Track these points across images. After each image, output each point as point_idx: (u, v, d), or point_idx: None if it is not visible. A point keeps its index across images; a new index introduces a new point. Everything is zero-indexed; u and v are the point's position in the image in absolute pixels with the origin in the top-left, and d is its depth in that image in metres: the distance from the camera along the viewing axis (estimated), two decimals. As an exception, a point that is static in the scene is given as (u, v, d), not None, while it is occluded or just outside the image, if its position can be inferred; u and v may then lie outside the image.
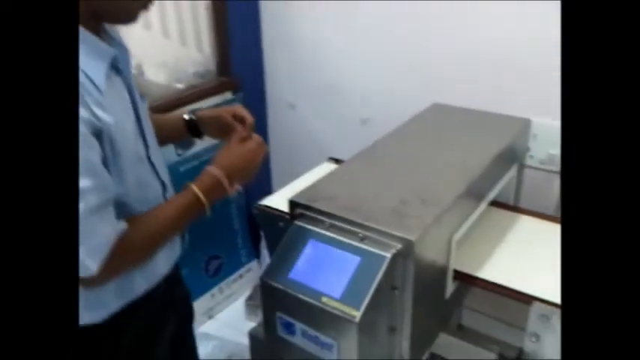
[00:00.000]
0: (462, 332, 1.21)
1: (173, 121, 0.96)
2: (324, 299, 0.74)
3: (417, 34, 1.41)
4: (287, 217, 1.06)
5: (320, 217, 0.83)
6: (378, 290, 0.73)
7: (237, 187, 0.82)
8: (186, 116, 0.95)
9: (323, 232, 0.81)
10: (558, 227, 1.05)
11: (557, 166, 1.25)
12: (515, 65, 1.27)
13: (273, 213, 1.10)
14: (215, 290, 1.68)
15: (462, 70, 1.36)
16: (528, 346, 0.87)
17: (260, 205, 1.14)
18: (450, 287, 0.93)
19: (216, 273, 1.68)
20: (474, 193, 0.94)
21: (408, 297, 0.78)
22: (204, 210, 0.78)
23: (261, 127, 1.83)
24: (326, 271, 0.77)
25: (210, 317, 1.68)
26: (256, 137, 0.86)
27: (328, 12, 1.57)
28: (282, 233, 1.10)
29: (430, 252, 0.81)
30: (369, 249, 0.77)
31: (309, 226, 0.83)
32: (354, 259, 0.76)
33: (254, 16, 1.71)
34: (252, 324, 1.71)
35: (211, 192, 0.78)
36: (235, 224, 1.74)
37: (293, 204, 0.86)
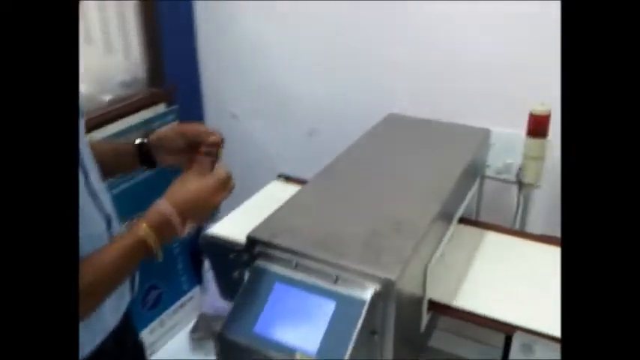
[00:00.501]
0: (432, 354, 1.16)
1: (121, 148, 0.83)
2: (298, 356, 0.65)
3: (367, 39, 1.34)
4: (239, 248, 0.96)
5: (284, 255, 0.73)
6: (357, 339, 0.65)
7: (190, 227, 0.70)
8: (137, 140, 0.82)
9: (289, 273, 0.71)
10: (525, 242, 1.01)
11: (513, 176, 1.22)
12: (467, 73, 1.23)
13: (223, 244, 0.98)
14: (155, 324, 1.52)
15: (414, 78, 1.30)
16: (510, 375, 0.82)
17: (207, 234, 1.02)
18: (425, 319, 0.86)
19: (156, 304, 1.52)
20: (446, 213, 0.88)
21: (388, 340, 0.70)
22: (153, 253, 0.66)
23: (199, 141, 1.69)
24: (297, 321, 0.67)
25: (152, 353, 1.53)
26: (221, 172, 0.73)
27: (270, 15, 1.46)
28: (233, 266, 0.99)
29: (408, 287, 0.74)
30: (345, 292, 0.67)
31: (273, 267, 0.72)
32: (329, 305, 0.67)
33: (188, 19, 1.57)
34: (198, 358, 1.58)
35: (161, 232, 0.66)
36: (174, 249, 1.59)
37: (251, 241, 0.76)
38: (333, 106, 1.45)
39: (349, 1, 1.32)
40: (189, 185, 0.70)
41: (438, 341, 1.15)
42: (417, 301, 0.81)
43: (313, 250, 0.71)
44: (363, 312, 0.65)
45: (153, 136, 0.82)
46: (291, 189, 1.17)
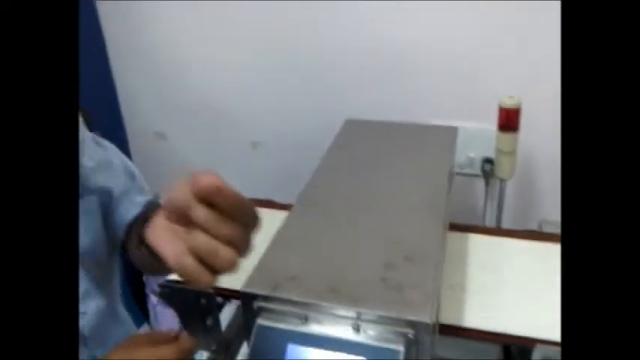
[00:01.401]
0: None
1: None
2: None
3: (308, 40, 1.24)
4: (210, 291, 0.84)
5: (291, 308, 0.62)
6: (396, 396, 0.56)
7: None
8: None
9: (301, 329, 0.61)
10: (512, 241, 0.98)
11: (476, 170, 1.20)
12: (419, 69, 1.18)
13: (190, 289, 0.85)
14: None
15: (362, 79, 1.23)
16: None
17: (167, 281, 0.87)
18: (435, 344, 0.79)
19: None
20: (444, 225, 0.81)
21: (422, 387, 0.62)
22: None
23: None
24: (323, 387, 0.57)
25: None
26: (185, 342, 0.61)
27: (192, 18, 1.31)
28: (205, 312, 0.87)
29: (434, 324, 0.66)
30: (374, 344, 0.58)
31: (280, 325, 0.61)
32: (358, 362, 0.58)
33: (94, 30, 1.37)
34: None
35: None
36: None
37: (248, 296, 0.64)
38: (276, 115, 1.34)
39: (282, 1, 1.21)
40: (138, 354, 0.58)
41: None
42: (435, 331, 0.73)
43: (324, 297, 0.61)
44: (399, 364, 0.57)
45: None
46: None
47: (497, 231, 1.02)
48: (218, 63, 1.33)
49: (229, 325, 0.99)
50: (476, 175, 1.19)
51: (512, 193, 1.18)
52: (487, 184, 1.14)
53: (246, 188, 1.22)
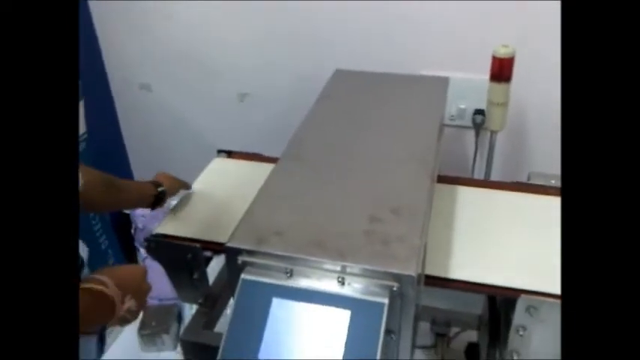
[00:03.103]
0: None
1: (146, 189, 0.88)
2: (319, 380, 0.55)
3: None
4: (196, 246, 0.84)
5: (276, 262, 0.61)
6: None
7: (131, 306, 0.61)
8: (160, 188, 0.88)
9: (286, 283, 0.61)
10: (499, 193, 0.97)
11: (467, 121, 1.18)
12: (410, 18, 1.13)
13: (177, 244, 0.85)
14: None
15: (352, 30, 1.18)
16: (514, 338, 0.80)
17: (155, 235, 0.87)
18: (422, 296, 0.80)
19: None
20: (433, 177, 0.80)
21: (406, 337, 0.63)
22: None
23: (111, 121, 1.47)
24: (307, 339, 0.58)
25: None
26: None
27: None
28: (191, 267, 0.88)
29: (419, 277, 0.66)
30: (359, 296, 0.58)
31: (265, 279, 0.61)
32: (343, 314, 0.58)
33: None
34: (151, 355, 1.45)
35: (96, 308, 0.57)
36: (102, 244, 1.41)
37: (232, 251, 0.63)
38: (263, 66, 1.30)
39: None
40: (126, 266, 0.69)
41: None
42: (420, 283, 0.74)
43: (310, 251, 0.61)
44: (384, 317, 0.57)
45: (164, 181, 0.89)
46: (238, 166, 1.05)
47: (486, 183, 1.02)
48: (203, 13, 1.27)
49: (217, 279, 0.99)
50: (466, 127, 1.17)
51: (502, 145, 1.17)
52: (477, 135, 1.13)
53: (233, 141, 1.21)
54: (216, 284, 0.94)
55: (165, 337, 1.31)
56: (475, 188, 0.99)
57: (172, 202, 0.94)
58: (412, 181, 0.73)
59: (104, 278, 0.58)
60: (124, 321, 0.63)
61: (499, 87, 0.98)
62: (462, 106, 1.15)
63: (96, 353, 0.69)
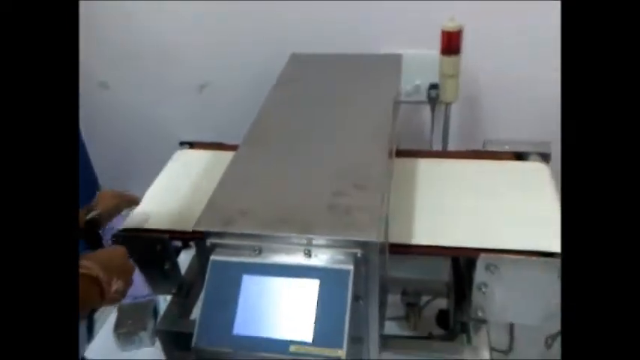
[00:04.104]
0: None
1: None
2: (293, 348, 0.58)
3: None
4: (166, 237, 0.84)
5: (244, 242, 0.63)
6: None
7: (119, 287, 0.62)
8: (90, 215, 0.81)
9: (255, 260, 0.63)
10: (457, 162, 1.01)
11: (422, 96, 1.21)
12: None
13: (146, 236, 0.85)
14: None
15: (306, 13, 1.19)
16: (477, 296, 0.84)
17: (124, 228, 0.87)
18: (388, 264, 0.83)
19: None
20: (391, 151, 0.83)
21: (373, 302, 0.66)
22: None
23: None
24: (280, 311, 0.60)
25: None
26: None
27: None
28: (162, 258, 0.89)
29: (384, 243, 0.69)
30: (327, 266, 0.61)
31: (234, 258, 0.63)
32: (312, 284, 0.60)
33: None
34: (129, 354, 1.45)
35: (83, 298, 0.56)
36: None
37: (200, 235, 0.65)
38: (221, 55, 1.30)
39: None
40: (106, 249, 0.69)
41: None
42: (383, 251, 0.77)
43: (276, 228, 0.63)
44: (350, 282, 0.60)
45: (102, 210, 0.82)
46: (201, 157, 1.05)
47: (444, 153, 1.06)
48: (159, 7, 1.26)
49: (189, 268, 1.00)
50: (423, 102, 1.20)
51: (458, 116, 1.21)
52: (433, 109, 1.16)
53: (195, 132, 1.21)
54: (189, 273, 0.95)
55: (142, 334, 1.32)
56: (433, 159, 1.03)
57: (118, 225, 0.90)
58: (371, 156, 0.76)
59: (89, 263, 0.59)
60: (113, 301, 0.64)
61: (449, 59, 1.02)
62: (417, 82, 1.19)
63: (86, 337, 0.69)
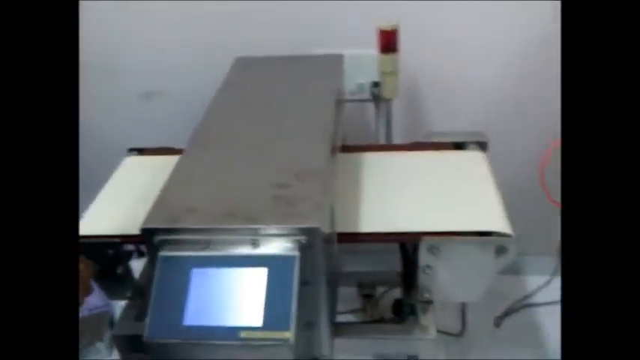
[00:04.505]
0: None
1: None
2: (244, 334, 0.60)
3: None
4: (117, 242, 0.85)
5: (191, 237, 0.65)
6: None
7: None
8: None
9: (204, 254, 0.65)
10: (399, 154, 1.06)
11: (366, 94, 1.26)
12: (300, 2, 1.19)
13: (97, 242, 0.86)
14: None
15: (246, 16, 1.22)
16: (423, 278, 0.88)
17: (82, 236, 0.87)
18: (336, 253, 0.87)
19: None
20: (334, 146, 0.87)
21: (321, 286, 0.69)
22: None
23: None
24: (230, 300, 0.62)
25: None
26: None
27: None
28: (114, 263, 0.89)
29: (325, 229, 0.72)
30: (273, 253, 0.64)
31: (183, 253, 0.65)
32: (260, 272, 0.63)
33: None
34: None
35: None
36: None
37: (147, 232, 0.66)
38: (166, 61, 1.31)
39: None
40: None
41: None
42: (331, 240, 0.80)
43: (222, 221, 0.65)
44: (297, 267, 0.63)
45: None
46: (150, 162, 1.06)
47: (387, 147, 1.10)
48: (102, 16, 1.26)
49: (143, 272, 1.01)
50: (367, 100, 1.25)
51: (402, 111, 1.27)
52: (377, 106, 1.21)
53: (145, 139, 1.21)
54: (143, 276, 0.95)
55: (99, 344, 1.31)
56: (378, 153, 1.08)
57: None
58: (313, 151, 0.79)
59: None
60: None
61: (387, 58, 1.07)
62: (361, 81, 1.23)
63: None
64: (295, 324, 0.60)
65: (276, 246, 0.64)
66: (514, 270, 1.50)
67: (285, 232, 0.64)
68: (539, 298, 1.41)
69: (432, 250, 0.85)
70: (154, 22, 1.26)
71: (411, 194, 0.94)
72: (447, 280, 0.87)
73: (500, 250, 0.83)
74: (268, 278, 0.62)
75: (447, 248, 0.84)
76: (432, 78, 1.24)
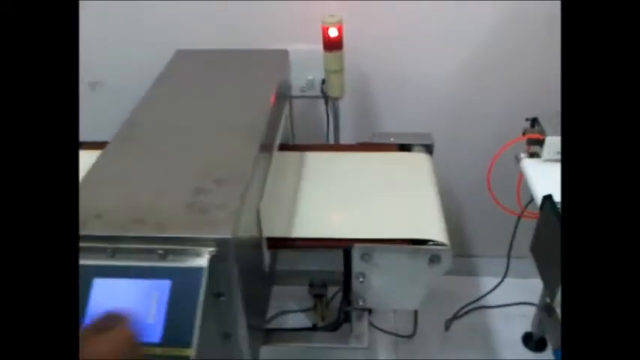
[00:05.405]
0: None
1: None
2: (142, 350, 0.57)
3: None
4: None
5: (97, 244, 0.62)
6: (204, 310, 0.59)
7: None
8: None
9: (108, 263, 0.61)
10: (344, 155, 1.03)
11: (317, 91, 1.22)
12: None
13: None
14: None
15: (186, 10, 1.17)
16: (356, 286, 0.86)
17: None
18: (267, 259, 0.84)
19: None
20: (267, 145, 0.83)
21: (236, 297, 0.66)
22: None
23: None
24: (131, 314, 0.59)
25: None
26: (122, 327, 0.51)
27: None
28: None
29: (245, 236, 0.69)
30: (179, 265, 0.60)
31: (87, 262, 0.61)
32: (164, 285, 0.59)
33: None
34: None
35: None
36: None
37: (50, 239, 0.62)
38: (110, 52, 1.25)
39: None
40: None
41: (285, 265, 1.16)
42: (256, 245, 0.77)
43: (130, 229, 0.62)
44: (203, 281, 0.59)
45: None
46: (89, 158, 1.01)
47: (333, 147, 1.07)
48: None
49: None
50: (317, 97, 1.22)
51: (352, 110, 1.24)
52: (326, 103, 1.18)
53: (89, 131, 1.16)
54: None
55: None
56: (323, 152, 1.05)
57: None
58: (239, 151, 0.75)
59: None
60: None
61: (332, 55, 1.03)
62: (310, 77, 1.19)
63: None
64: (197, 341, 0.57)
65: (184, 257, 0.61)
66: (467, 271, 1.50)
67: (194, 242, 0.61)
68: (490, 299, 1.41)
69: (365, 257, 0.82)
70: (104, 13, 1.21)
71: (350, 198, 0.92)
72: (381, 287, 0.85)
73: (434, 260, 0.81)
74: (171, 291, 0.59)
75: (379, 256, 0.82)
76: (385, 78, 1.21)
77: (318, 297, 1.39)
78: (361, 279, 0.85)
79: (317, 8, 1.08)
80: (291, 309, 1.41)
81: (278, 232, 0.84)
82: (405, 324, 1.38)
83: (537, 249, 0.87)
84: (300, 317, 1.39)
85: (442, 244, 0.81)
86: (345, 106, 1.21)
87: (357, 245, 0.81)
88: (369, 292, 0.86)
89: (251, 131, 0.80)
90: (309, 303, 1.37)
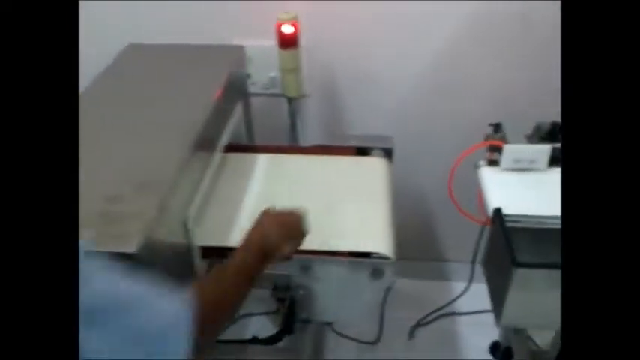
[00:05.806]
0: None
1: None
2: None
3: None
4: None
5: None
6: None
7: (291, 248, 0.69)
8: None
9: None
10: (300, 157, 0.99)
11: (279, 89, 1.18)
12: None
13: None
14: None
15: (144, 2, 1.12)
16: (298, 297, 0.83)
17: None
18: (202, 267, 0.80)
19: None
20: (203, 147, 0.79)
21: (153, 314, 0.62)
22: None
23: None
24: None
25: None
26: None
27: None
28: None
29: (164, 248, 0.65)
30: (82, 281, 0.56)
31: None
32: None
33: None
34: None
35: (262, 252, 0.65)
36: None
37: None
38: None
39: None
40: (280, 212, 0.72)
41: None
42: (183, 255, 0.73)
43: (33, 239, 0.58)
44: (108, 298, 0.55)
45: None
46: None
47: (288, 148, 1.03)
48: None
49: None
50: (279, 95, 1.17)
51: (316, 110, 1.19)
52: (289, 102, 1.13)
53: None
54: None
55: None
56: (275, 155, 1.00)
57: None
58: (166, 154, 0.71)
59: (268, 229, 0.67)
60: (279, 260, 0.69)
61: (287, 53, 0.99)
62: (272, 74, 1.15)
63: None
64: None
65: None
66: (438, 276, 1.46)
67: (105, 257, 0.57)
68: (459, 305, 1.37)
69: (305, 269, 0.79)
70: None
71: (298, 204, 0.87)
72: (322, 300, 0.82)
73: (376, 273, 0.77)
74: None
75: (320, 268, 0.78)
76: (352, 79, 1.17)
77: (281, 300, 1.35)
78: (301, 291, 0.81)
79: (282, 7, 1.03)
80: (252, 311, 1.38)
81: (216, 240, 0.80)
82: (369, 329, 1.35)
83: (487, 261, 0.83)
84: (261, 320, 1.36)
85: (385, 257, 0.77)
86: (312, 107, 1.17)
87: (295, 256, 0.77)
88: (311, 304, 0.83)
89: (185, 130, 0.76)
90: (269, 305, 1.34)
